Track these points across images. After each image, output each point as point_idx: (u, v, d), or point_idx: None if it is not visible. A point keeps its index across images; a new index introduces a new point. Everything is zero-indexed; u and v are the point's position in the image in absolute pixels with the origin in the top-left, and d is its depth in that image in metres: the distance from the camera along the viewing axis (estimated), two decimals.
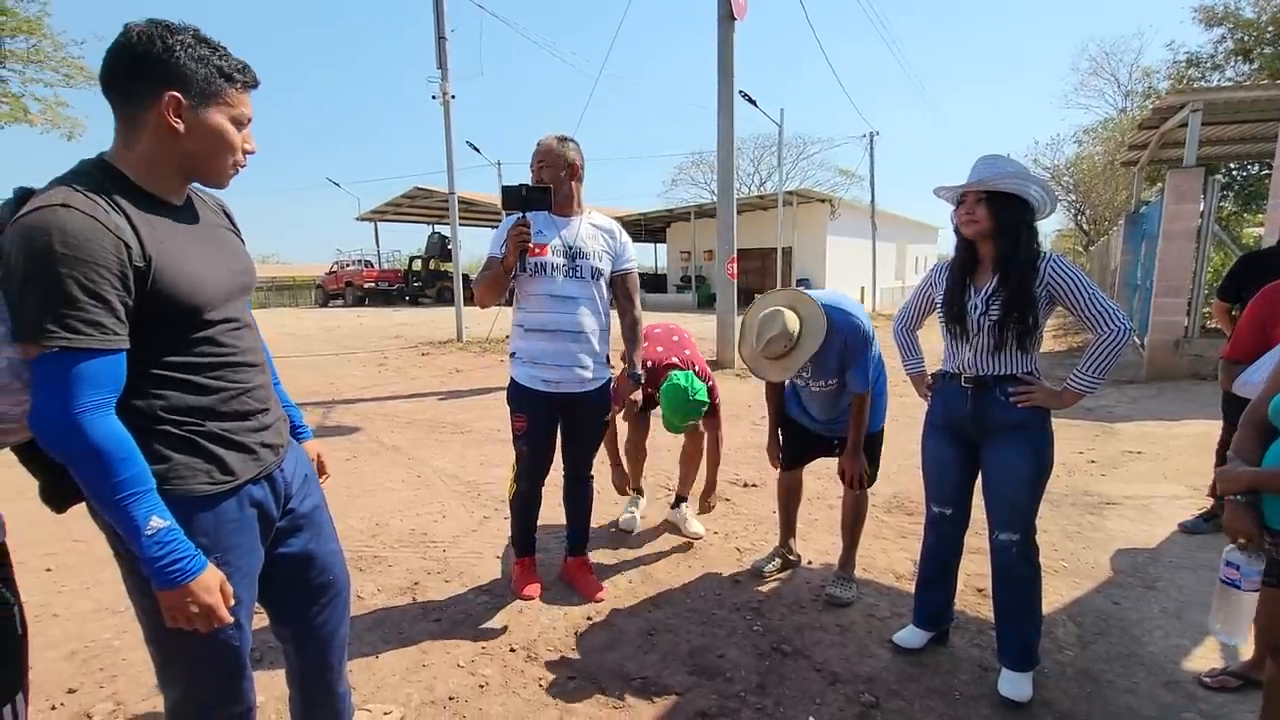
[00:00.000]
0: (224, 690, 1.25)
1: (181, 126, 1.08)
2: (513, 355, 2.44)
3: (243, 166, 1.21)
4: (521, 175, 2.47)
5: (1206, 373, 6.58)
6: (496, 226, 2.33)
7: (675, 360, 2.94)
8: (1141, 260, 8.81)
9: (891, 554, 2.97)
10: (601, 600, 2.56)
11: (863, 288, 19.66)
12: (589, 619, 2.44)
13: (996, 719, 1.89)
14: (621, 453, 3.20)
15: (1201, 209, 6.76)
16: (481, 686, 2.05)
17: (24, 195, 1.04)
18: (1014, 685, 1.93)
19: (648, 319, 2.59)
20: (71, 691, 2.02)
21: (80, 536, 3.01)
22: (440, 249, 24.03)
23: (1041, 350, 1.97)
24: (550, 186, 2.23)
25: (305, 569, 1.41)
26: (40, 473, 1.15)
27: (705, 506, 3.18)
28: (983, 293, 1.90)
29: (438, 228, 27.07)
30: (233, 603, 1.15)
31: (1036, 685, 1.96)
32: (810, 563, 2.89)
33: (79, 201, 0.99)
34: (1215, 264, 8.03)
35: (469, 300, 11.59)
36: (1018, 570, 1.94)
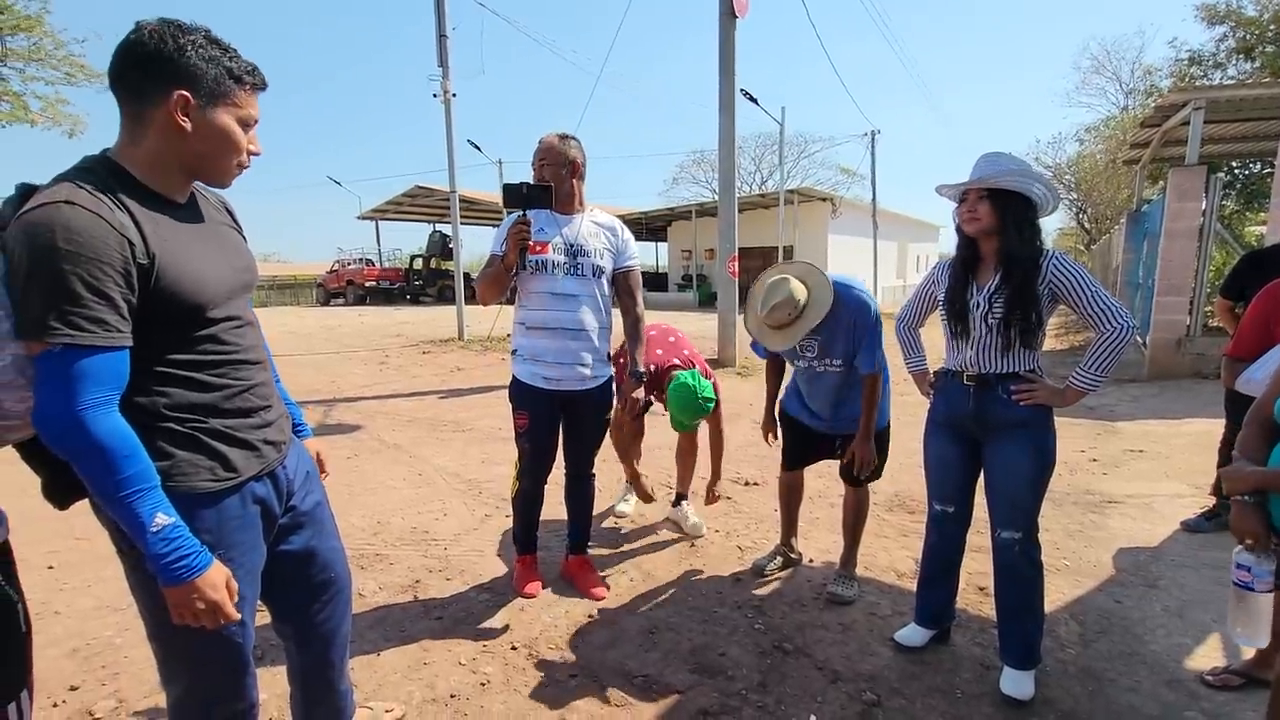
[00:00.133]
0: (226, 687, 1.25)
1: (189, 125, 1.09)
2: (514, 353, 2.44)
3: (246, 167, 1.21)
4: (523, 173, 2.47)
5: (1208, 371, 6.57)
6: (498, 225, 2.33)
7: (677, 361, 2.98)
8: (1143, 259, 8.80)
9: (893, 552, 2.97)
10: (603, 598, 2.56)
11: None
12: (590, 617, 2.44)
13: (999, 717, 1.88)
14: (631, 459, 3.20)
15: (1204, 207, 6.74)
16: (483, 684, 2.05)
17: (27, 191, 1.04)
18: (1016, 683, 1.93)
19: (648, 318, 2.58)
20: (73, 689, 2.02)
21: (82, 534, 3.02)
22: (441, 248, 24.02)
23: (1044, 349, 1.97)
24: (551, 184, 2.23)
25: (307, 566, 1.42)
26: (42, 469, 1.15)
27: (712, 497, 3.18)
28: (985, 290, 1.90)
29: (439, 226, 27.07)
30: (237, 599, 1.16)
31: (1038, 684, 1.96)
32: (812, 561, 2.89)
33: (83, 198, 0.99)
34: (1217, 263, 8.01)
35: (470, 299, 11.67)
36: (1020, 568, 1.94)
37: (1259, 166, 13.95)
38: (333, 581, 1.48)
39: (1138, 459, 4.33)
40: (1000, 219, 1.83)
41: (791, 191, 19.64)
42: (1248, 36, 14.72)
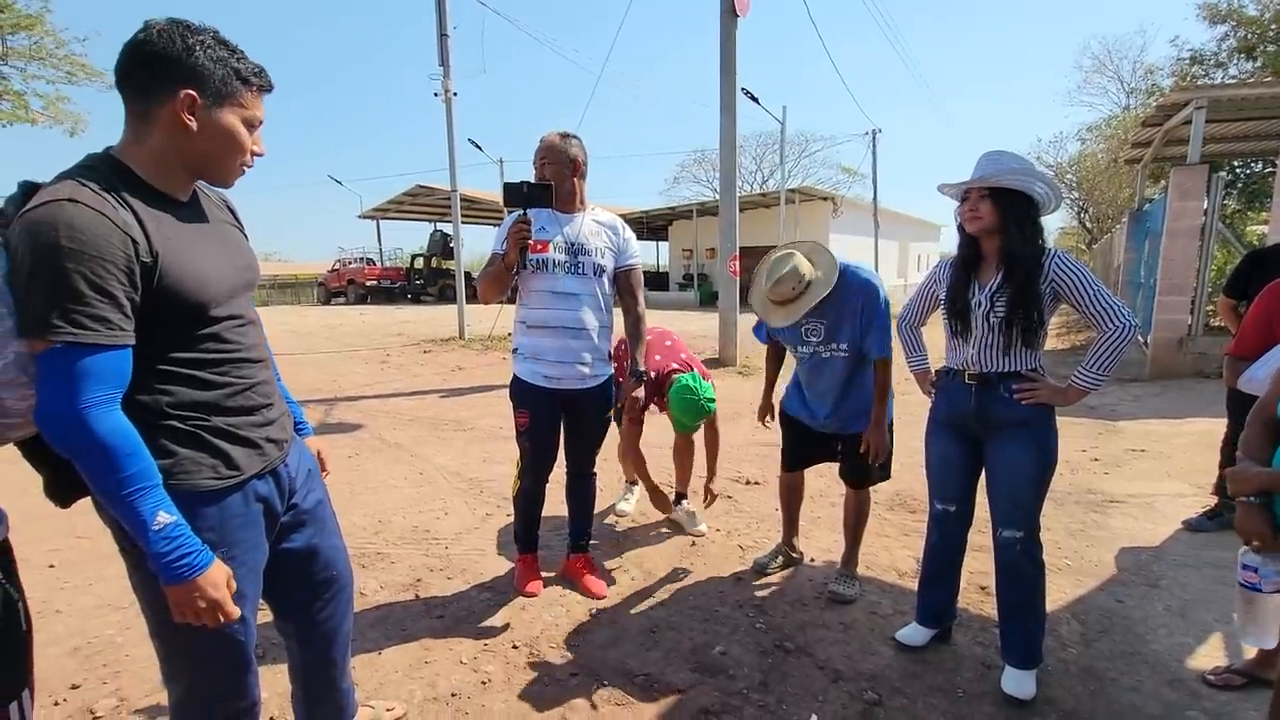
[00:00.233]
0: (229, 685, 1.26)
1: (194, 124, 1.09)
2: (515, 351, 2.44)
3: (250, 167, 1.22)
4: (524, 172, 2.48)
5: (1210, 371, 6.56)
6: (499, 224, 2.33)
7: (676, 365, 3.03)
8: (1145, 258, 8.78)
9: (894, 551, 2.97)
10: (604, 597, 2.56)
11: None
12: (591, 616, 2.44)
13: (1000, 717, 1.88)
14: (648, 473, 3.19)
15: (1205, 206, 6.73)
16: (484, 683, 2.05)
17: (29, 189, 1.04)
18: (1017, 683, 1.93)
19: (649, 318, 2.58)
20: (75, 687, 2.02)
21: (83, 533, 3.02)
22: (442, 247, 24.03)
23: (1045, 348, 1.96)
24: (552, 183, 2.22)
25: (309, 564, 1.42)
26: (44, 468, 1.15)
27: (709, 496, 3.19)
28: (987, 289, 1.90)
29: (440, 225, 27.06)
30: (239, 597, 1.15)
31: (1040, 683, 1.96)
32: (813, 560, 2.89)
33: (86, 196, 0.99)
34: (1219, 262, 8.00)
35: (471, 298, 11.67)
36: (1021, 568, 1.94)
37: (1260, 166, 13.92)
38: (334, 580, 1.48)
39: (1139, 458, 4.33)
40: (1002, 218, 1.83)
41: (793, 191, 19.62)
42: (1249, 36, 14.69)
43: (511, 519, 2.75)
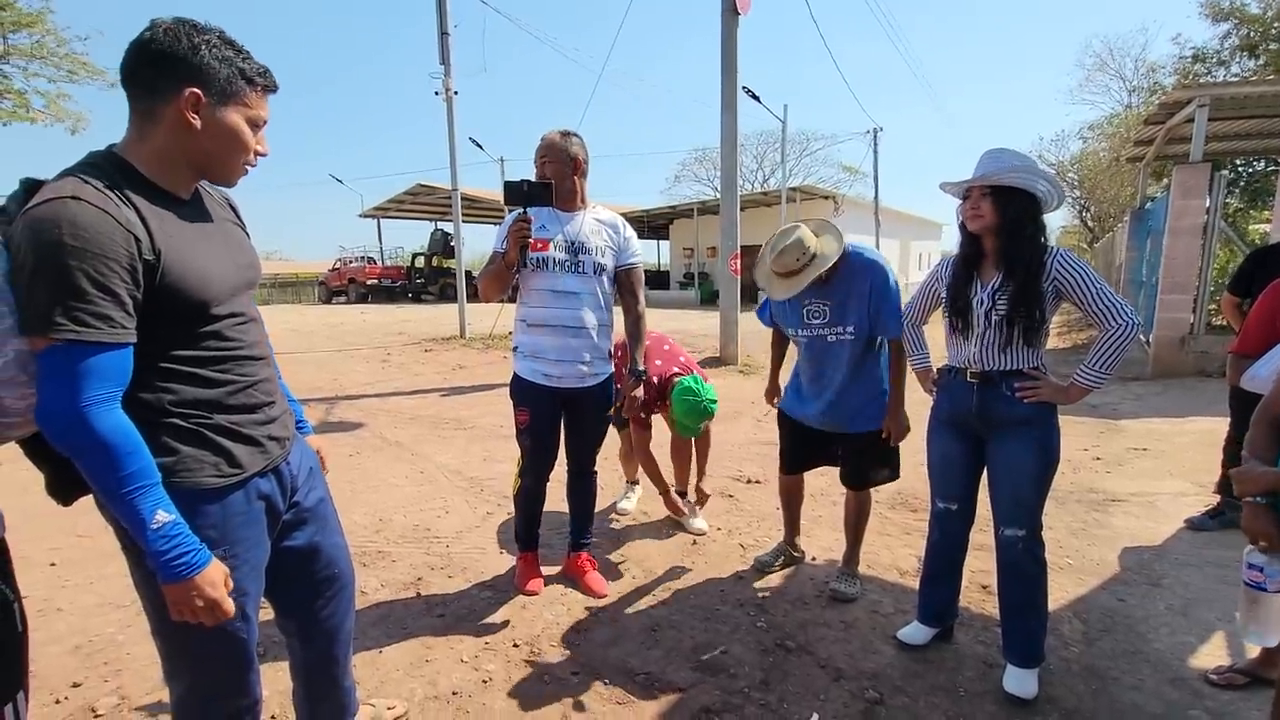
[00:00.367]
0: (230, 683, 1.26)
1: (198, 123, 1.09)
2: (515, 350, 2.43)
3: (253, 166, 1.22)
4: (525, 171, 2.48)
5: (1212, 370, 6.55)
6: (500, 223, 2.32)
7: (676, 369, 3.06)
8: (1147, 257, 8.77)
9: (896, 550, 2.96)
10: (605, 596, 2.56)
11: None
12: (592, 615, 2.44)
13: (1002, 716, 1.88)
14: (661, 476, 3.21)
15: (1208, 205, 6.72)
16: (485, 682, 2.05)
17: (32, 187, 1.04)
18: (1019, 682, 1.92)
19: (650, 317, 2.58)
20: (76, 686, 2.02)
21: (84, 531, 3.02)
22: (443, 246, 24.04)
23: (1047, 346, 1.96)
24: (552, 182, 2.22)
25: (311, 562, 1.42)
26: (45, 466, 1.15)
27: (700, 494, 3.22)
28: (989, 288, 1.89)
29: (441, 224, 27.07)
30: (241, 595, 1.15)
31: (1042, 682, 1.95)
32: (814, 559, 2.88)
33: (89, 194, 0.99)
34: (1221, 261, 7.98)
35: (472, 297, 11.67)
36: (1023, 566, 1.93)
37: (1263, 164, 13.89)
38: (336, 578, 1.48)
39: (1141, 457, 4.32)
40: (1004, 216, 1.82)
41: (794, 189, 19.60)
42: (1252, 34, 14.65)
43: (512, 517, 2.75)
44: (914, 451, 2.42)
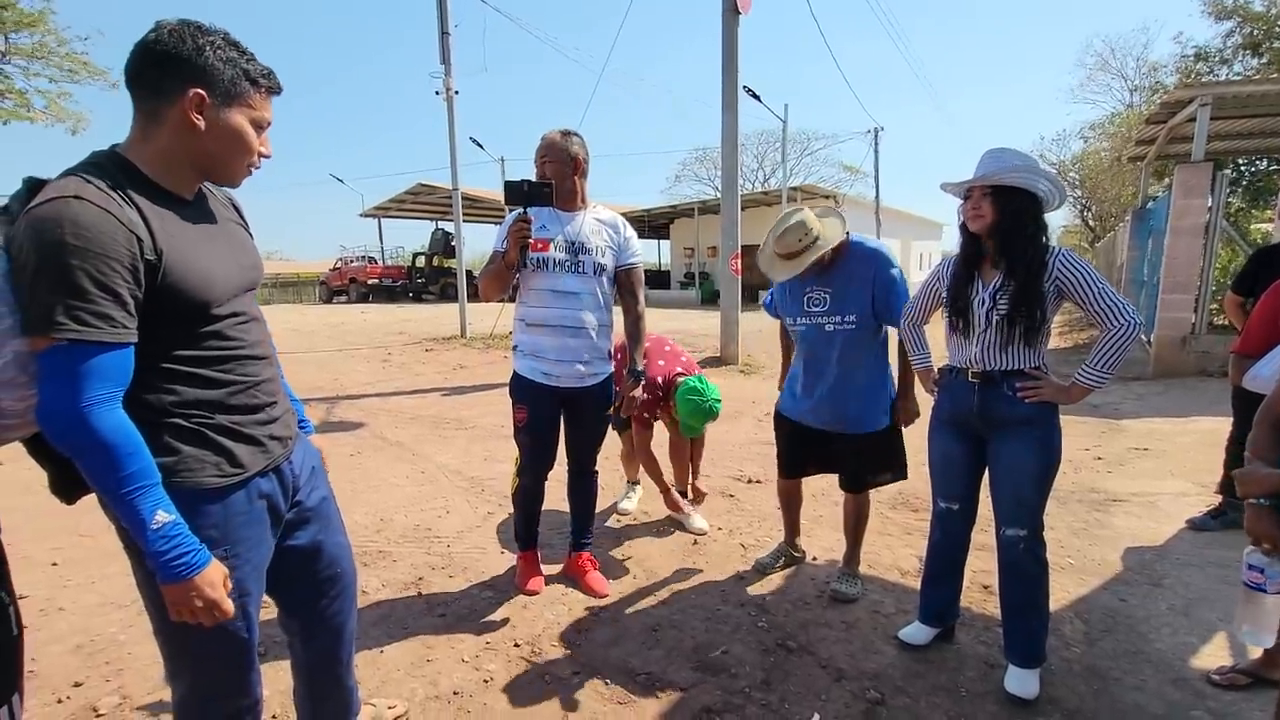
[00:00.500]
0: (231, 682, 1.26)
1: (202, 124, 1.09)
2: (515, 348, 2.44)
3: (256, 168, 1.22)
4: (525, 171, 2.48)
5: (1214, 369, 6.54)
6: (500, 222, 2.32)
7: (679, 370, 3.07)
8: (1148, 256, 8.75)
9: (897, 550, 2.96)
10: (606, 596, 2.56)
11: None
12: (593, 615, 2.44)
13: (1003, 716, 1.88)
14: (662, 475, 3.21)
15: (1209, 204, 6.70)
16: (486, 681, 2.05)
17: (35, 186, 1.04)
18: (1021, 682, 1.92)
19: (650, 317, 2.58)
20: (78, 685, 2.02)
21: (86, 531, 3.03)
22: (444, 245, 24.06)
23: (1048, 346, 1.96)
24: (552, 182, 2.22)
25: (313, 561, 1.42)
26: (48, 464, 1.15)
27: (697, 492, 3.23)
28: (990, 288, 1.89)
29: (441, 224, 27.09)
30: (242, 595, 1.15)
31: (1043, 682, 1.95)
32: (815, 559, 2.88)
33: (91, 194, 0.99)
34: (1223, 260, 7.96)
35: (473, 296, 11.67)
36: (1025, 566, 1.93)
37: (1265, 163, 13.86)
38: (339, 577, 1.48)
39: (1143, 457, 4.31)
40: (1005, 216, 1.82)
41: (794, 189, 19.61)
42: (1255, 32, 14.62)
43: (512, 517, 2.75)
44: (915, 451, 2.42)
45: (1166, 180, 9.75)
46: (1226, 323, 6.17)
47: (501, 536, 3.14)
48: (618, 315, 2.50)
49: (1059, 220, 36.09)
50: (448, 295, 21.94)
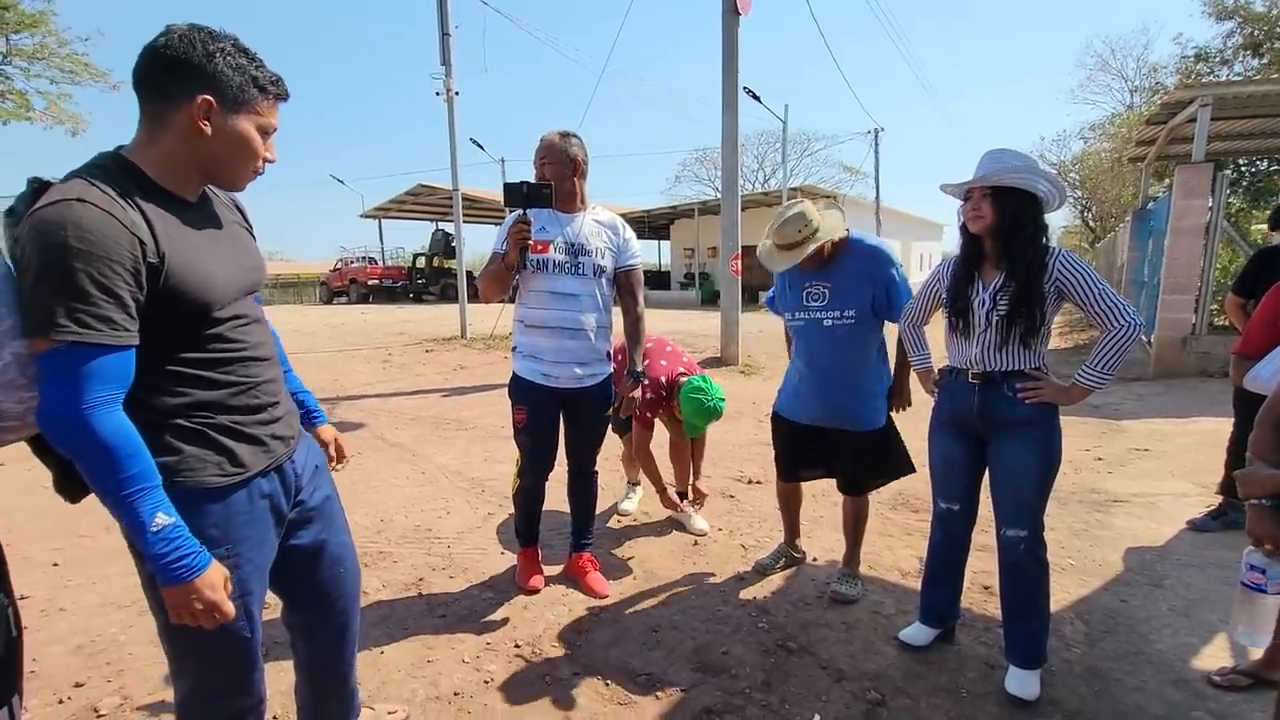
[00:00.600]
0: (235, 682, 1.26)
1: (209, 130, 1.10)
2: (515, 349, 2.44)
3: (260, 173, 1.23)
4: (525, 172, 2.49)
5: (1214, 370, 6.54)
6: (500, 223, 2.32)
7: (682, 370, 3.08)
8: (1149, 257, 8.75)
9: (897, 551, 2.96)
10: (606, 596, 2.56)
11: None
12: (593, 615, 2.44)
13: (1004, 717, 1.88)
14: (659, 475, 3.21)
15: (1210, 205, 6.70)
16: (486, 682, 2.05)
17: (40, 187, 1.05)
18: (1021, 683, 1.92)
19: (650, 318, 2.58)
20: (79, 685, 2.02)
21: (86, 532, 3.02)
22: (444, 246, 24.06)
23: (1049, 346, 1.96)
24: (551, 184, 2.22)
25: (316, 560, 1.42)
26: (53, 463, 1.15)
27: (697, 493, 3.23)
28: (990, 288, 1.89)
29: (442, 225, 27.09)
30: (246, 594, 1.15)
31: (1044, 683, 1.95)
32: (815, 560, 2.88)
33: (95, 196, 1.00)
34: (1223, 261, 7.96)
35: (473, 297, 11.67)
36: (1025, 567, 1.93)
37: (1266, 164, 13.85)
38: (342, 576, 1.48)
39: (1143, 458, 4.31)
40: (1004, 217, 1.82)
41: (794, 189, 19.62)
42: (1256, 32, 14.61)
43: (513, 517, 2.75)
44: (916, 453, 2.42)
45: (1167, 181, 9.75)
46: (1227, 323, 6.17)
47: (502, 537, 3.14)
48: (617, 316, 2.50)
49: (1059, 221, 36.10)
50: (448, 296, 21.94)
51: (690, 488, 3.31)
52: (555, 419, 2.46)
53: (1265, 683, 1.93)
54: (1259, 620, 1.45)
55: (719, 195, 11.68)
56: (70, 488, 1.16)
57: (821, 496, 3.55)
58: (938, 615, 2.19)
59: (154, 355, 1.08)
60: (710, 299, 19.05)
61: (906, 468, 2.48)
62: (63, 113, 13.11)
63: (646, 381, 2.86)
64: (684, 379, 3.00)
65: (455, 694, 1.99)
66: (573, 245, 2.32)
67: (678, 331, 11.06)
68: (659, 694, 1.99)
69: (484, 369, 8.51)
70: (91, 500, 1.14)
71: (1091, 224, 27.93)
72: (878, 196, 20.96)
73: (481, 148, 19.41)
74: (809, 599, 2.54)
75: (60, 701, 1.95)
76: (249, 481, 1.21)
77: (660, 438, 3.21)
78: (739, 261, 8.36)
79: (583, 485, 2.64)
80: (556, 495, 2.69)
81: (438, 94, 11.15)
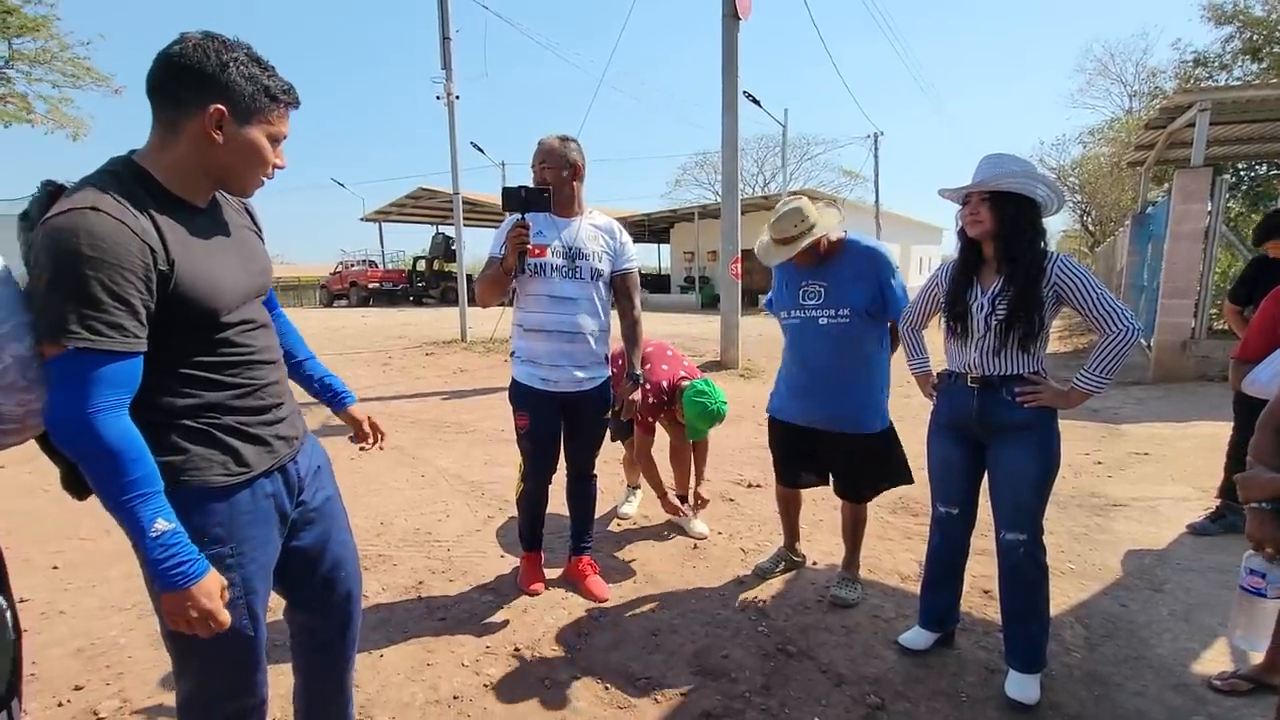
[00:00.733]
0: (238, 682, 1.26)
1: (221, 138, 1.11)
2: (513, 354, 2.44)
3: (269, 179, 1.24)
4: (525, 176, 2.50)
5: (1213, 374, 6.54)
6: (500, 227, 2.33)
7: (683, 373, 3.09)
8: (1148, 261, 8.77)
9: (897, 555, 2.96)
10: (606, 600, 2.56)
11: None
12: (593, 619, 2.44)
13: None
14: (660, 479, 3.21)
15: (1209, 209, 6.71)
16: (486, 685, 2.05)
17: (53, 190, 1.06)
18: (1021, 687, 1.92)
19: (650, 321, 2.59)
20: (78, 688, 2.02)
21: (87, 535, 3.02)
22: (444, 249, 24.09)
23: (1048, 350, 1.96)
24: (550, 188, 2.23)
25: (317, 561, 1.42)
26: (61, 461, 1.16)
27: (699, 498, 3.23)
28: (989, 293, 1.89)
29: (442, 228, 27.13)
30: (249, 594, 1.15)
31: (1044, 687, 1.95)
32: (815, 563, 2.88)
33: (108, 205, 1.01)
34: (1222, 265, 7.98)
35: (473, 300, 11.66)
36: (1025, 571, 1.93)
37: (1265, 168, 13.88)
38: (344, 578, 1.48)
39: (1143, 462, 4.31)
40: (1002, 221, 1.82)
41: (794, 193, 19.57)
42: (1255, 37, 14.64)
43: (512, 520, 2.75)
44: (914, 456, 2.42)
45: (1166, 185, 9.77)
46: (1226, 328, 6.17)
47: (501, 540, 3.14)
48: (615, 319, 2.51)
49: (1059, 225, 36.15)
50: (448, 299, 21.97)
51: (692, 493, 3.31)
52: (556, 423, 2.46)
53: (1266, 687, 1.93)
54: (1258, 624, 1.45)
55: (719, 199, 11.70)
56: (77, 486, 1.17)
57: (821, 500, 3.54)
58: (937, 619, 2.19)
59: (163, 359, 1.09)
60: (710, 302, 19.06)
61: (905, 476, 2.47)
62: (64, 117, 13.14)
63: (647, 385, 2.87)
64: (686, 383, 3.01)
65: (455, 697, 1.99)
66: (570, 249, 2.33)
67: (677, 335, 11.07)
68: (658, 697, 1.98)
69: (484, 372, 8.51)
70: (92, 503, 1.15)
71: (1091, 228, 27.96)
72: (877, 200, 20.98)
73: (482, 151, 19.49)
74: (809, 603, 2.54)
75: (60, 704, 1.95)
76: (253, 481, 1.21)
77: (661, 441, 3.21)
78: (739, 265, 8.38)
79: (582, 489, 2.65)
80: (556, 499, 2.69)
81: (438, 98, 11.18)
